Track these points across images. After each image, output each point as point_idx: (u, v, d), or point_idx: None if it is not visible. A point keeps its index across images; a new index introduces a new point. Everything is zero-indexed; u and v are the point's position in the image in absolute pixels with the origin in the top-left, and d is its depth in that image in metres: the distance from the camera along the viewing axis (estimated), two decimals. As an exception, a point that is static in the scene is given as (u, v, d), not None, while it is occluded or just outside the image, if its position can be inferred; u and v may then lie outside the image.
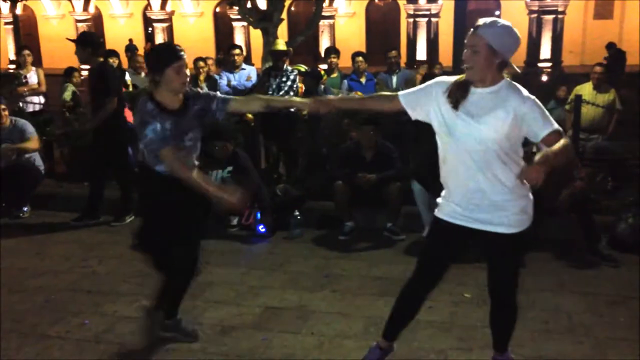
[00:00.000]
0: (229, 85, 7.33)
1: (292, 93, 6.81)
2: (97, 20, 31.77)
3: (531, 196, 2.80)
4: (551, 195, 4.87)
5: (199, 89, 3.51)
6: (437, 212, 2.93)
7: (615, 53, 15.16)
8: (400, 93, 2.95)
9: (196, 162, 3.39)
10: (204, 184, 3.18)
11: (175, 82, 3.18)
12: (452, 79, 2.79)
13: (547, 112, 2.70)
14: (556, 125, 2.68)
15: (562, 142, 2.63)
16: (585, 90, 6.51)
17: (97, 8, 31.59)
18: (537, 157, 2.55)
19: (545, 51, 22.71)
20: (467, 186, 2.76)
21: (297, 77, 7.05)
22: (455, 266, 4.69)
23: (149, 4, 29.60)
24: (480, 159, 2.69)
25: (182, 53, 3.20)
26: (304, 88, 7.26)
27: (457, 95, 2.70)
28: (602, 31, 21.42)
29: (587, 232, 4.89)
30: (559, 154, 2.59)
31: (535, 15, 23.07)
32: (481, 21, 2.68)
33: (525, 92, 2.70)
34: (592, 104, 6.17)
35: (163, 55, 3.23)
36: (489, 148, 2.67)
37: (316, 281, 4.47)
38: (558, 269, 4.67)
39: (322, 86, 7.26)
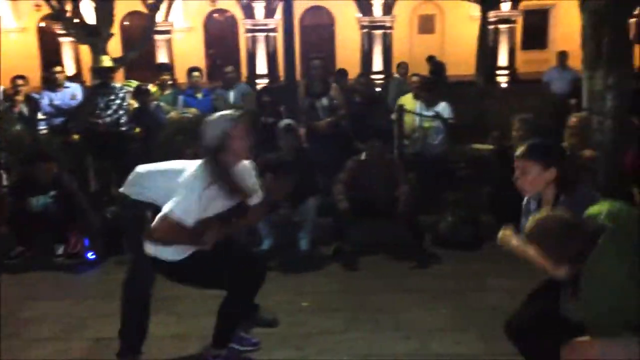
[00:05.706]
0: (51, 104, 6.87)
1: (121, 112, 6.54)
2: None
3: None
4: (383, 200, 5.15)
5: None
6: None
7: (435, 65, 16.29)
8: None
9: None
10: None
11: None
12: None
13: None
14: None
15: None
16: (407, 100, 6.96)
17: None
18: None
19: (377, 64, 24.04)
20: None
21: (127, 95, 6.79)
22: (294, 275, 4.82)
23: (-38, 19, 26.95)
24: None
25: None
26: (135, 105, 7.01)
27: None
28: (426, 45, 23.09)
29: (413, 231, 5.22)
30: None
31: (366, 30, 24.33)
32: None
33: None
34: (413, 113, 6.62)
35: None
36: None
37: (152, 305, 4.27)
38: (387, 270, 4.91)
39: (155, 103, 7.05)
